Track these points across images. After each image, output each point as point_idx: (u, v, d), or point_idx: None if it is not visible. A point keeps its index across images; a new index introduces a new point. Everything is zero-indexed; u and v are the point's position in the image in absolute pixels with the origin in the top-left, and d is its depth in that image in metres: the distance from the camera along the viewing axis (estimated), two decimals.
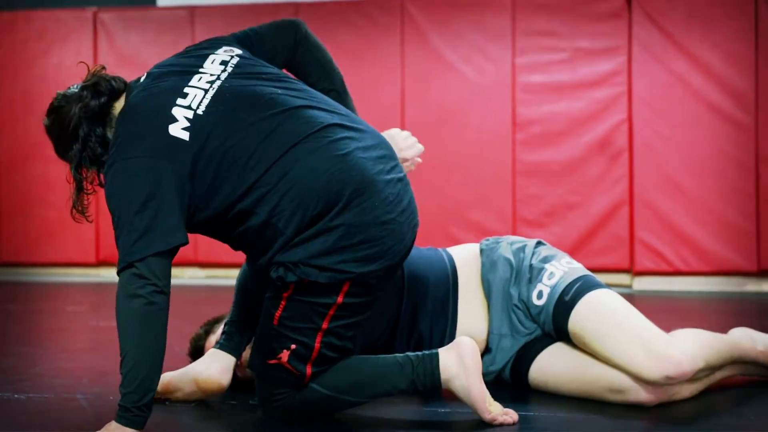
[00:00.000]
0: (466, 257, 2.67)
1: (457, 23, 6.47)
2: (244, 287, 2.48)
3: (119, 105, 2.15)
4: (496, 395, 2.28)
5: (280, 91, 2.12)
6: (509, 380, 2.60)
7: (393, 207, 2.07)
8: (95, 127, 2.13)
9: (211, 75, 2.12)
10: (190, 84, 2.09)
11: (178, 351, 3.02)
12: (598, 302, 2.43)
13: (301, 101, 2.11)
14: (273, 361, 2.14)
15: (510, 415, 2.17)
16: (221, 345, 2.46)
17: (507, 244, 2.65)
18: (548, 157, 6.31)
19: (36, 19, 7.17)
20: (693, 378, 2.40)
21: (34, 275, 7.20)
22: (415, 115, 6.41)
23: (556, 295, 2.48)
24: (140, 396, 1.91)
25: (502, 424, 2.14)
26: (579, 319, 2.41)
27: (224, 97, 2.07)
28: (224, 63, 2.16)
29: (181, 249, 6.41)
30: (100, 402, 2.46)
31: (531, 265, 2.57)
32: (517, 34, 6.39)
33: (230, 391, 2.54)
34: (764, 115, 6.00)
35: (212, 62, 2.16)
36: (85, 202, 2.17)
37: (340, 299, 2.08)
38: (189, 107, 2.05)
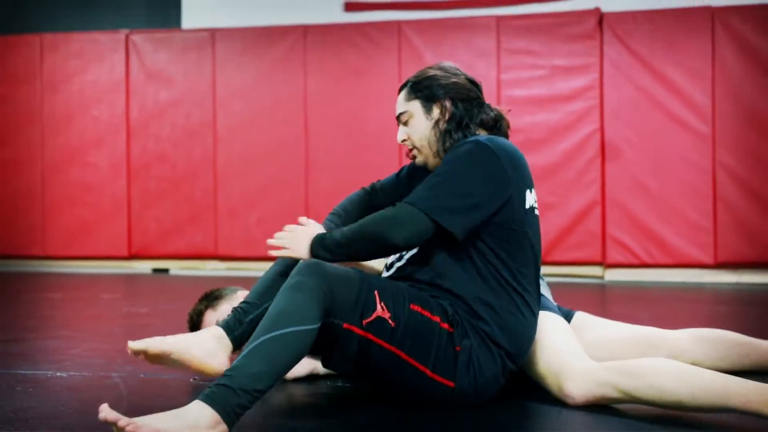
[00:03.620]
0: None
1: (448, 43, 6.66)
2: (278, 280, 2.25)
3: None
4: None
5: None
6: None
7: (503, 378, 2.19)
8: (472, 112, 2.32)
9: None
10: (533, 186, 2.26)
11: None
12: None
13: None
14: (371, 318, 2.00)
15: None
16: (226, 325, 2.21)
17: None
18: (529, 163, 6.33)
19: (75, 41, 7.41)
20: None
21: (73, 267, 7.40)
22: None
23: None
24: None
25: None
26: None
27: (537, 219, 2.27)
28: None
29: (203, 243, 6.64)
30: (133, 380, 2.48)
31: None
32: (501, 54, 6.57)
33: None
34: (720, 125, 6.18)
35: None
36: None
37: (458, 348, 2.08)
38: (532, 200, 2.23)
